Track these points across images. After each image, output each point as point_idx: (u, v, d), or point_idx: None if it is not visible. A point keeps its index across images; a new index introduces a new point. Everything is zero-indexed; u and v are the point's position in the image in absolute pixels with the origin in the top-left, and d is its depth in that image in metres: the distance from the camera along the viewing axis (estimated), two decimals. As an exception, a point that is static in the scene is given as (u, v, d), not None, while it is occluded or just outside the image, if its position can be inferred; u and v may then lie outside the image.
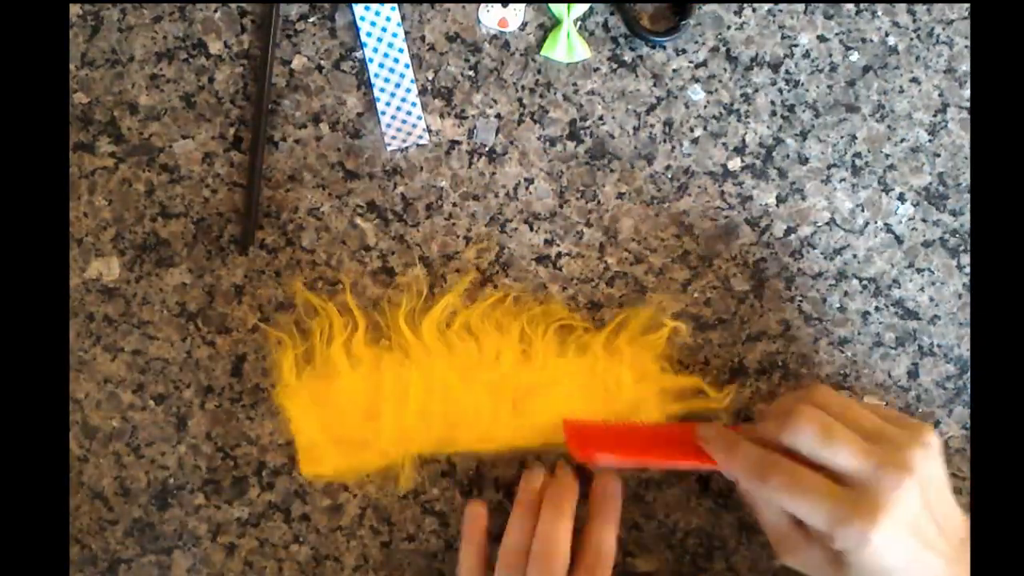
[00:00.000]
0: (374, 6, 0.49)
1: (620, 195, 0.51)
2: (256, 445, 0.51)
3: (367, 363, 0.49)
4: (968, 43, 0.50)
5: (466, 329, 0.50)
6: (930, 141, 0.51)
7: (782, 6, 0.50)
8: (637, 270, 0.51)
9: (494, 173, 0.51)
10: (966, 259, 0.51)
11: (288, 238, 0.51)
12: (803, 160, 0.51)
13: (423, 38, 0.50)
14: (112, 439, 0.51)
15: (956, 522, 0.41)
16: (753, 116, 0.50)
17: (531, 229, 0.51)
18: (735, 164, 0.51)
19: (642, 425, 0.49)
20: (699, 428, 0.46)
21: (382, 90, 0.50)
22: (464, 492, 0.51)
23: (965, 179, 0.51)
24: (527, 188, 0.51)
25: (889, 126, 0.51)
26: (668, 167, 0.51)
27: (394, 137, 0.50)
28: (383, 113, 0.50)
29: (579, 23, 0.50)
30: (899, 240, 0.51)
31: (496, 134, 0.50)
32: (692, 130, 0.50)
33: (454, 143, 0.50)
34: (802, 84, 0.50)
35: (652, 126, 0.50)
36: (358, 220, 0.51)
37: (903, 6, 0.50)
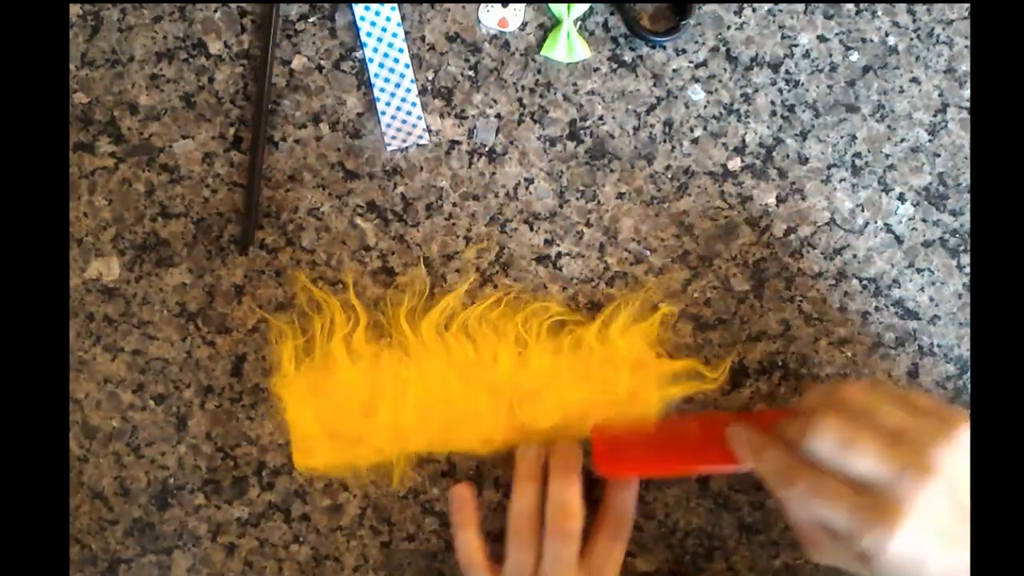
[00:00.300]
0: (374, 6, 0.49)
1: (620, 195, 0.51)
2: (256, 445, 0.51)
3: (367, 359, 0.50)
4: (968, 43, 0.50)
5: (464, 331, 0.50)
6: (930, 141, 0.51)
7: (782, 6, 0.50)
8: (637, 270, 0.51)
9: (494, 173, 0.51)
10: (966, 259, 0.51)
11: (288, 238, 0.51)
12: (803, 160, 0.51)
13: (423, 38, 0.50)
14: (112, 439, 0.51)
15: None
16: (753, 116, 0.50)
17: (531, 229, 0.51)
18: (735, 164, 0.51)
19: (667, 427, 0.49)
20: (729, 431, 0.46)
21: (382, 90, 0.50)
22: (464, 492, 0.51)
23: (965, 179, 0.51)
24: (527, 188, 0.51)
25: (889, 126, 0.51)
26: (668, 167, 0.51)
27: (394, 137, 0.50)
28: (383, 113, 0.50)
29: (579, 23, 0.50)
30: (899, 240, 0.51)
31: (496, 134, 0.50)
32: (692, 130, 0.50)
33: (454, 143, 0.50)
34: (802, 84, 0.50)
35: (652, 126, 0.50)
36: (358, 220, 0.51)
37: (903, 6, 0.50)
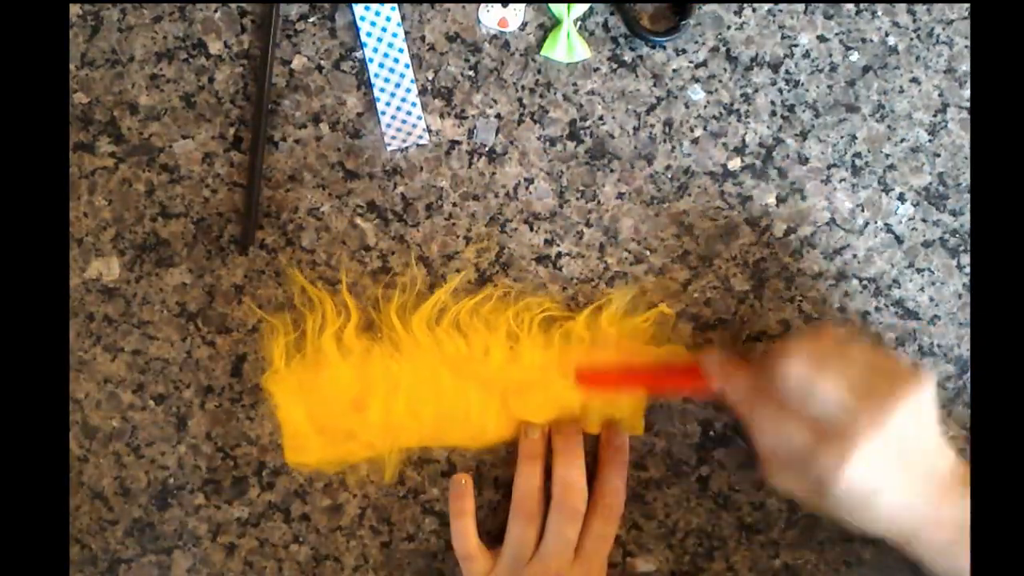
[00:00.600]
0: (374, 6, 0.49)
1: (620, 195, 0.51)
2: (256, 445, 0.51)
3: (357, 354, 0.50)
4: (968, 43, 0.50)
5: (455, 326, 0.50)
6: (930, 141, 0.51)
7: (782, 6, 0.50)
8: (637, 270, 0.51)
9: (494, 173, 0.51)
10: (966, 259, 0.51)
11: (288, 238, 0.51)
12: (803, 160, 0.51)
13: (423, 38, 0.50)
14: (112, 439, 0.51)
15: (942, 460, 0.42)
16: (753, 116, 0.50)
17: (531, 229, 0.51)
18: (735, 164, 0.51)
19: (648, 360, 0.50)
20: (703, 356, 0.47)
21: (382, 90, 0.50)
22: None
23: (965, 179, 0.51)
24: (527, 188, 0.51)
25: (889, 126, 0.51)
26: (668, 167, 0.51)
27: (394, 137, 0.50)
28: (383, 113, 0.50)
29: (579, 23, 0.50)
30: (899, 240, 0.51)
31: (496, 134, 0.50)
32: (692, 130, 0.50)
33: (454, 143, 0.50)
34: (802, 84, 0.50)
35: (652, 126, 0.50)
36: (358, 220, 0.51)
37: (903, 6, 0.50)
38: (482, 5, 0.50)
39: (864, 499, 0.41)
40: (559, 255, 0.51)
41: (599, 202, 0.51)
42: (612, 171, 0.51)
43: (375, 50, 0.50)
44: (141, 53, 0.50)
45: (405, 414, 0.50)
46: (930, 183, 0.51)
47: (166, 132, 0.50)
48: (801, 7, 0.50)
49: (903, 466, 0.41)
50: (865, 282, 0.51)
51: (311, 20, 0.50)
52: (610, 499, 0.50)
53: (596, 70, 0.50)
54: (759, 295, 0.51)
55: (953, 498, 0.42)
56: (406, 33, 0.50)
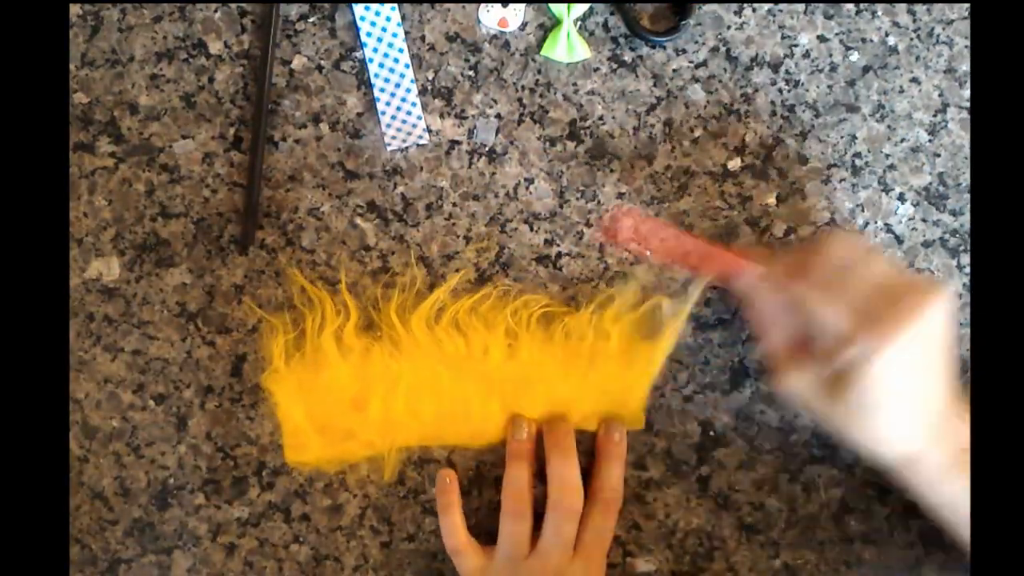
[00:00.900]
0: (374, 6, 0.49)
1: (620, 195, 0.51)
2: (256, 445, 0.51)
3: (357, 353, 0.50)
4: (968, 43, 0.50)
5: (454, 324, 0.50)
6: (930, 141, 0.51)
7: (782, 6, 0.50)
8: (637, 270, 0.51)
9: (494, 173, 0.51)
10: (966, 259, 0.51)
11: (288, 238, 0.51)
12: (803, 160, 0.51)
13: (423, 38, 0.50)
14: (112, 439, 0.51)
15: (951, 379, 0.43)
16: (753, 116, 0.50)
17: (531, 229, 0.51)
18: (735, 164, 0.51)
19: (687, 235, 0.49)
20: (744, 247, 0.47)
21: (382, 90, 0.50)
22: (464, 492, 0.51)
23: (965, 179, 0.51)
24: (527, 188, 0.51)
25: (889, 126, 0.51)
26: (668, 167, 0.51)
27: (394, 137, 0.50)
28: (383, 113, 0.50)
29: (579, 23, 0.50)
30: (899, 240, 0.51)
31: (496, 134, 0.50)
32: (692, 130, 0.50)
33: (454, 143, 0.50)
34: (802, 84, 0.50)
35: (652, 126, 0.50)
36: (358, 220, 0.51)
37: (903, 6, 0.50)
38: (482, 5, 0.50)
39: (879, 403, 0.40)
40: (559, 255, 0.51)
41: (599, 202, 0.51)
42: (612, 171, 0.51)
43: (375, 50, 0.50)
44: (141, 53, 0.50)
45: (405, 413, 0.50)
46: (930, 183, 0.51)
47: (166, 132, 0.50)
48: (801, 7, 0.50)
49: (923, 376, 0.41)
50: (865, 282, 0.51)
51: (311, 20, 0.50)
52: (608, 494, 0.50)
53: (596, 70, 0.50)
54: (759, 295, 0.51)
55: (956, 418, 0.42)
56: (406, 33, 0.50)
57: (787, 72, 0.50)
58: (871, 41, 0.50)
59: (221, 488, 0.51)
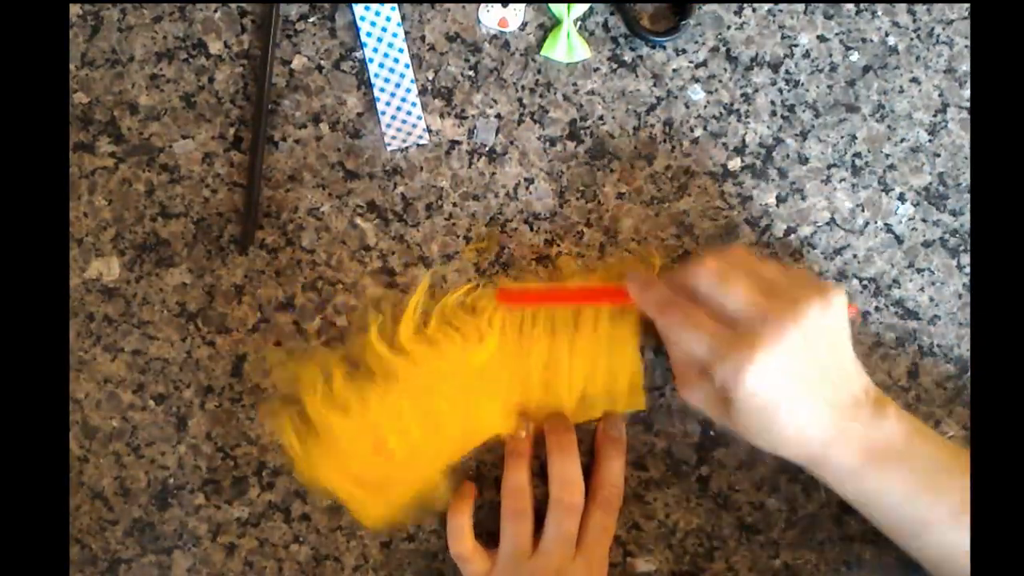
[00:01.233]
0: (374, 6, 0.49)
1: (620, 195, 0.51)
2: (256, 445, 0.51)
3: (354, 403, 0.48)
4: (968, 43, 0.50)
5: (445, 322, 0.49)
6: (930, 141, 0.51)
7: (782, 6, 0.50)
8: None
9: (494, 173, 0.51)
10: (966, 259, 0.51)
11: (288, 238, 0.51)
12: (803, 160, 0.51)
13: (423, 38, 0.50)
14: (112, 439, 0.51)
15: (853, 379, 0.43)
16: (753, 116, 0.50)
17: (531, 229, 0.51)
18: (735, 164, 0.51)
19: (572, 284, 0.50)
20: (627, 274, 0.47)
21: (382, 90, 0.50)
22: (464, 492, 0.51)
23: (965, 179, 0.51)
24: (527, 188, 0.51)
25: (889, 126, 0.51)
26: (668, 167, 0.51)
27: (394, 137, 0.50)
28: (383, 113, 0.50)
29: (579, 23, 0.50)
30: (899, 240, 0.51)
31: (496, 134, 0.50)
32: (692, 130, 0.50)
33: (454, 143, 0.50)
34: (802, 84, 0.50)
35: (652, 126, 0.50)
36: (358, 220, 0.51)
37: (903, 6, 0.50)
38: (482, 5, 0.50)
39: (765, 412, 0.41)
40: (559, 255, 0.51)
41: (599, 202, 0.51)
42: (612, 171, 0.51)
43: (375, 50, 0.50)
44: (141, 53, 0.50)
45: (424, 436, 0.49)
46: (930, 183, 0.51)
47: (166, 132, 0.50)
48: (801, 7, 0.50)
49: (807, 379, 0.41)
50: (865, 282, 0.51)
51: (311, 20, 0.50)
52: (609, 490, 0.50)
53: (596, 70, 0.50)
54: (759, 295, 0.51)
55: (863, 418, 0.42)
56: (406, 33, 0.50)
57: (787, 72, 0.50)
58: (871, 41, 0.50)
59: (221, 488, 0.51)
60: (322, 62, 0.50)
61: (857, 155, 0.51)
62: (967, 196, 0.50)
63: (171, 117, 0.50)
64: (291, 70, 0.50)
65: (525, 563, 0.48)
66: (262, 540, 0.52)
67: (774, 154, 0.51)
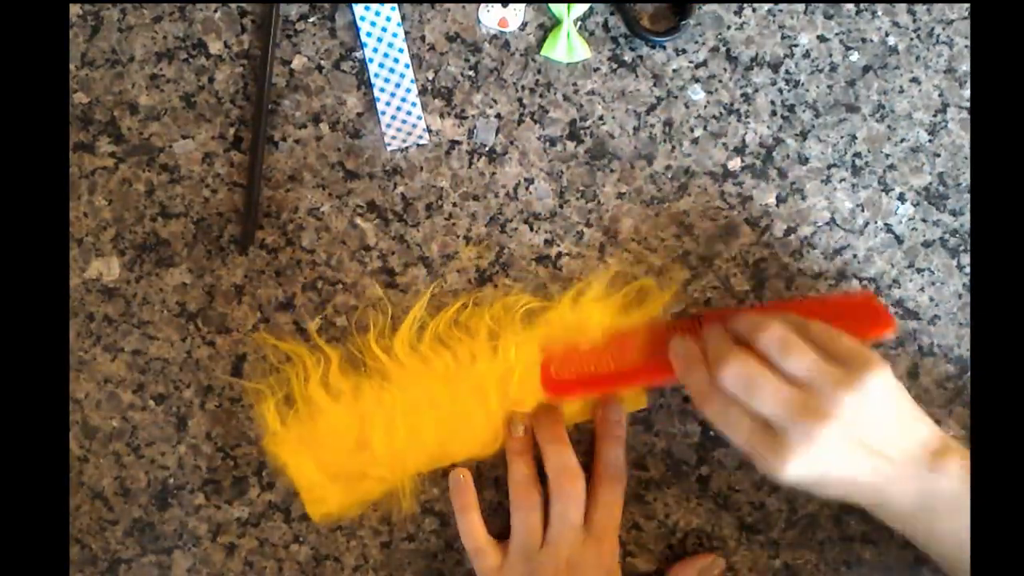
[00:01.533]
0: (374, 6, 0.49)
1: (620, 195, 0.51)
2: (256, 445, 0.51)
3: (347, 394, 0.49)
4: (968, 43, 0.50)
5: (437, 340, 0.50)
6: (930, 141, 0.51)
7: (782, 6, 0.50)
8: (637, 270, 0.51)
9: (494, 173, 0.51)
10: (966, 259, 0.51)
11: (288, 238, 0.51)
12: (803, 160, 0.51)
13: (423, 38, 0.50)
14: (112, 439, 0.51)
15: (908, 441, 0.43)
16: (753, 116, 0.50)
17: (531, 229, 0.51)
18: (735, 164, 0.51)
19: (614, 343, 0.49)
20: (672, 343, 0.46)
21: (382, 90, 0.50)
22: (464, 492, 0.51)
23: (965, 179, 0.51)
24: (527, 188, 0.51)
25: (889, 126, 0.51)
26: (668, 167, 0.51)
27: (394, 137, 0.50)
28: (383, 113, 0.50)
29: (579, 23, 0.50)
30: (899, 240, 0.51)
31: (496, 134, 0.50)
32: (692, 130, 0.50)
33: (454, 143, 0.50)
34: (802, 84, 0.50)
35: (652, 126, 0.50)
36: (358, 220, 0.51)
37: (903, 6, 0.50)
38: (482, 5, 0.50)
39: (812, 486, 0.42)
40: (559, 255, 0.51)
41: (599, 202, 0.51)
42: (612, 171, 0.51)
43: (375, 50, 0.50)
44: (141, 53, 0.50)
45: (408, 440, 0.50)
46: (930, 183, 0.51)
47: (166, 132, 0.50)
48: (801, 7, 0.50)
49: (851, 461, 0.41)
50: (865, 282, 0.51)
51: (311, 20, 0.50)
52: (612, 471, 0.50)
53: (596, 70, 0.50)
54: (759, 295, 0.51)
55: (921, 470, 0.42)
56: (406, 33, 0.50)
57: (787, 72, 0.50)
58: (871, 41, 0.50)
59: (221, 488, 0.51)
60: (322, 62, 0.50)
61: (857, 155, 0.51)
62: (967, 196, 0.50)
63: (171, 117, 0.50)
64: (291, 70, 0.50)
65: (536, 555, 0.48)
66: (262, 540, 0.52)
67: (774, 154, 0.51)
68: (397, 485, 0.50)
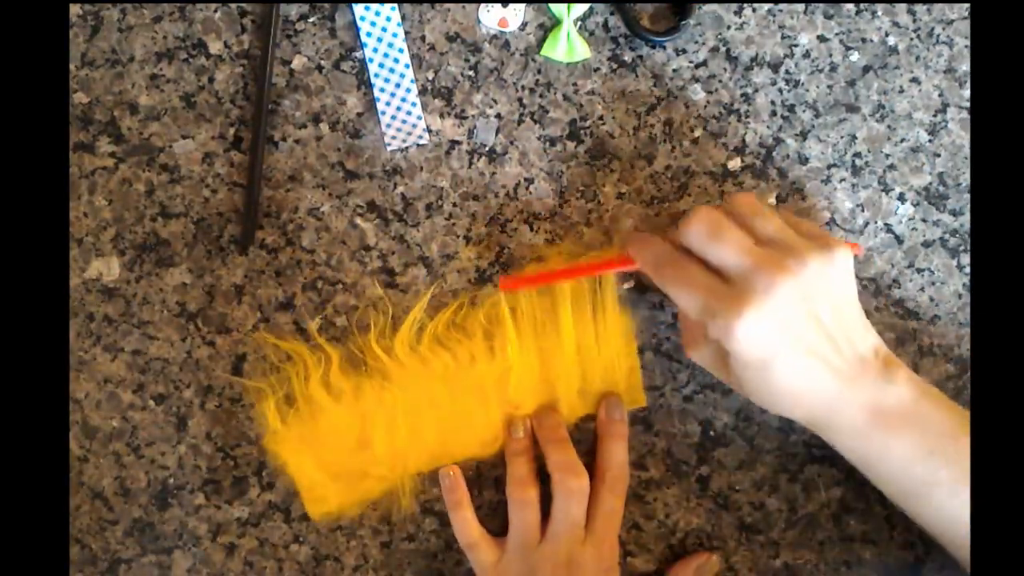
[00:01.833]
0: (374, 6, 0.49)
1: (620, 195, 0.51)
2: (256, 445, 0.51)
3: (348, 394, 0.49)
4: (968, 43, 0.50)
5: (436, 341, 0.50)
6: (930, 141, 0.51)
7: (782, 6, 0.50)
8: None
9: (494, 173, 0.51)
10: (966, 259, 0.51)
11: (288, 238, 0.51)
12: (803, 160, 0.51)
13: (423, 38, 0.50)
14: (112, 439, 0.51)
15: (859, 339, 0.42)
16: (753, 116, 0.50)
17: (531, 229, 0.51)
18: (735, 164, 0.51)
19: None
20: (624, 233, 0.46)
21: (382, 90, 0.50)
22: (464, 492, 0.51)
23: (965, 179, 0.51)
24: (527, 188, 0.51)
25: (889, 126, 0.51)
26: (668, 167, 0.51)
27: (394, 137, 0.50)
28: (383, 113, 0.50)
29: (579, 23, 0.50)
30: (899, 240, 0.51)
31: (496, 134, 0.50)
32: (692, 130, 0.50)
33: (454, 143, 0.50)
34: (802, 84, 0.50)
35: (652, 126, 0.50)
36: (358, 220, 0.51)
37: (903, 6, 0.50)
38: (482, 5, 0.50)
39: (760, 369, 0.41)
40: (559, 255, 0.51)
41: (599, 202, 0.51)
42: (612, 171, 0.51)
43: (375, 50, 0.50)
44: (141, 53, 0.50)
45: (409, 439, 0.50)
46: (930, 183, 0.51)
47: (166, 132, 0.50)
48: (801, 7, 0.50)
49: (804, 337, 0.40)
50: (865, 282, 0.51)
51: (311, 20, 0.50)
52: (615, 471, 0.49)
53: (596, 70, 0.50)
54: (759, 295, 0.51)
55: (869, 379, 0.42)
56: (406, 33, 0.50)
57: (787, 72, 0.50)
58: (871, 41, 0.50)
59: (221, 488, 0.51)
60: (322, 62, 0.50)
61: (857, 155, 0.51)
62: (967, 196, 0.50)
63: (171, 117, 0.50)
64: (291, 70, 0.50)
65: (534, 551, 0.48)
66: (262, 540, 0.52)
67: (774, 154, 0.51)
68: (397, 484, 0.50)
